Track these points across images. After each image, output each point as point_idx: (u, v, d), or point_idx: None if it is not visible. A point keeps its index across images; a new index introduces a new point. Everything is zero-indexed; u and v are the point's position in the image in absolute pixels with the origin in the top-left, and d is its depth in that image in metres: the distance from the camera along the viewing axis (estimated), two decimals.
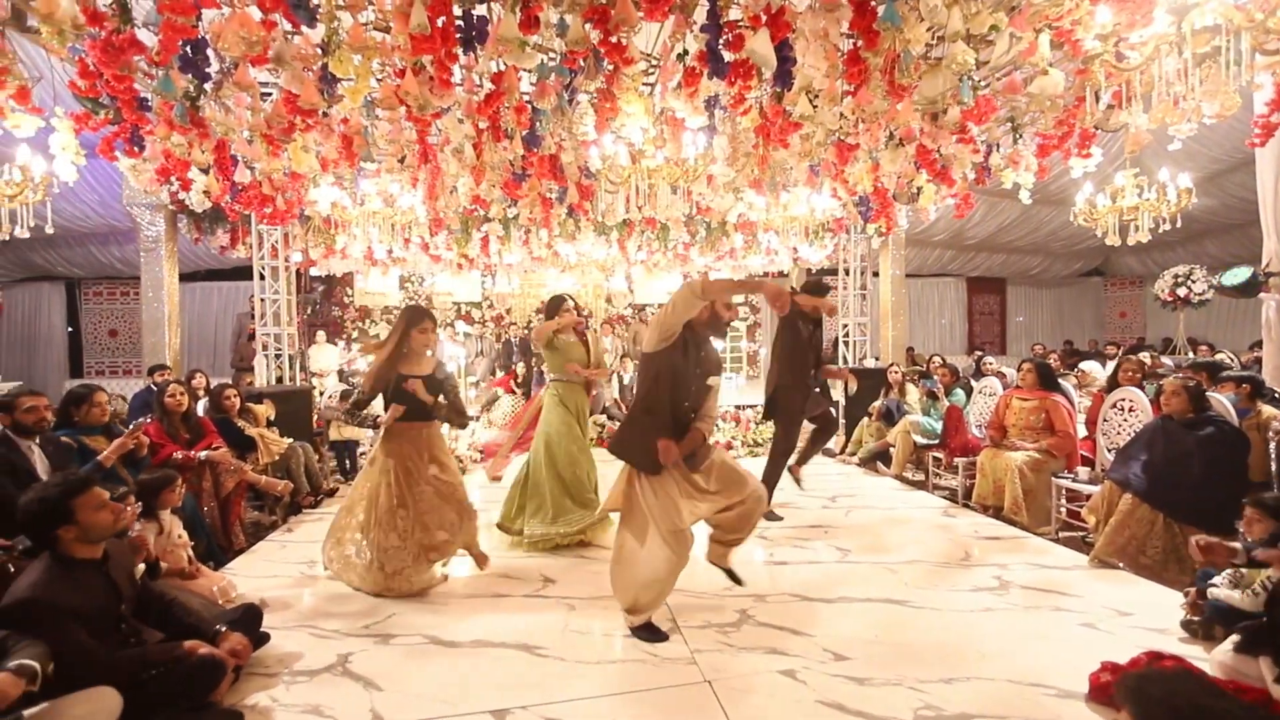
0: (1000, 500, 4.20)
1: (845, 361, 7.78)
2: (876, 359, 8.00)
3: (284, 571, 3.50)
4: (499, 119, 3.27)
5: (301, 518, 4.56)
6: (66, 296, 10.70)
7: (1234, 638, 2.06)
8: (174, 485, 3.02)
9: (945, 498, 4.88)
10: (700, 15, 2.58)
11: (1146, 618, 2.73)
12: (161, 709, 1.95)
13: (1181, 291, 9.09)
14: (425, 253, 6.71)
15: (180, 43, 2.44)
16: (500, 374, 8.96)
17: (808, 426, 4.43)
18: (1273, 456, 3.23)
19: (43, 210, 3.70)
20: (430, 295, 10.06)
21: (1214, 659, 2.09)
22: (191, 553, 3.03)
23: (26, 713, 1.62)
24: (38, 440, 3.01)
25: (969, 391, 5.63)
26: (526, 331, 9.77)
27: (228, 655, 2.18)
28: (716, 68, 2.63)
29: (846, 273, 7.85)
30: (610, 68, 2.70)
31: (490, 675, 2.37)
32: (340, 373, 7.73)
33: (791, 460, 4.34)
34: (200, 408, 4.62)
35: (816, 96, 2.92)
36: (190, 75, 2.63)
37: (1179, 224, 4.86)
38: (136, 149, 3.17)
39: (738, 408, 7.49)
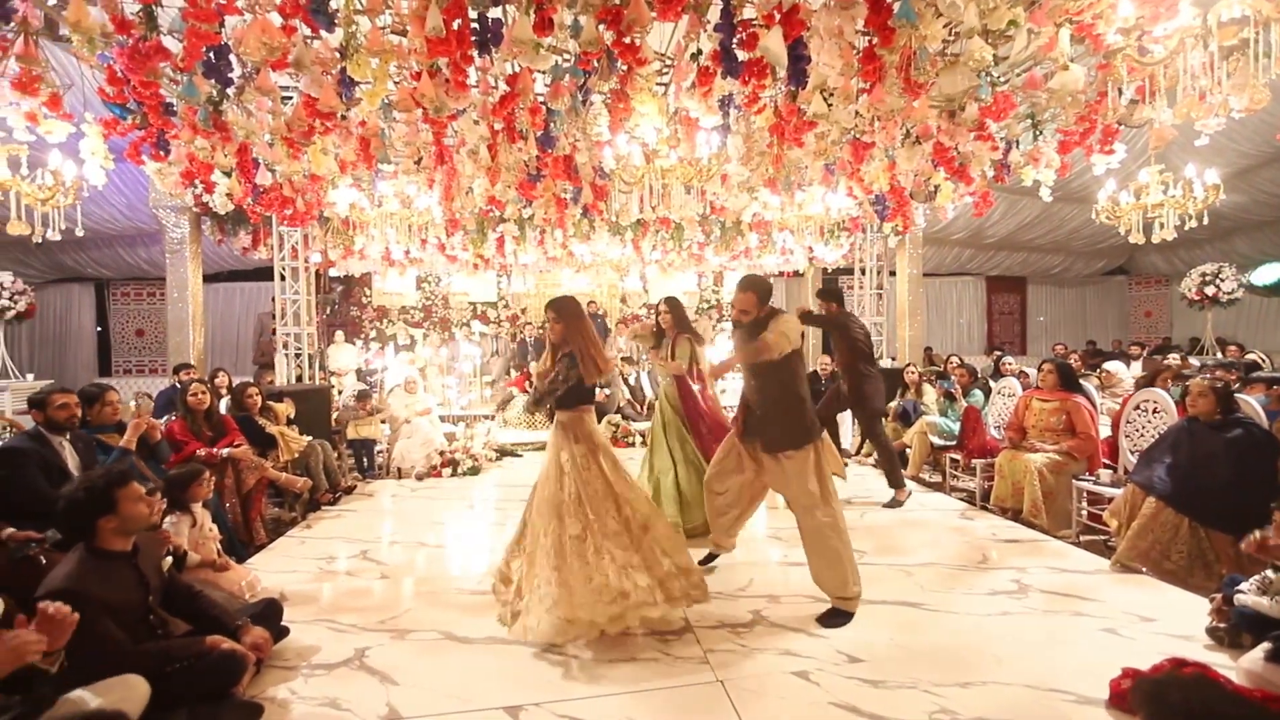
0: (1019, 503, 4.14)
1: None
2: (893, 359, 7.92)
3: (303, 567, 3.56)
4: (514, 120, 3.30)
5: (320, 514, 4.63)
6: (96, 297, 10.99)
7: (1265, 646, 2.01)
8: (202, 479, 3.08)
9: (963, 500, 4.81)
10: (714, 14, 2.57)
11: (1170, 623, 2.67)
12: (185, 701, 2.00)
13: (1210, 290, 8.89)
14: (442, 253, 6.79)
15: (204, 49, 2.50)
16: (515, 374, 9.02)
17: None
18: None
19: (73, 213, 3.81)
20: (446, 295, 10.16)
21: (1241, 667, 2.04)
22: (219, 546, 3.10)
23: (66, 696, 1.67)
24: (68, 437, 3.10)
25: (987, 392, 5.55)
26: (541, 331, 9.82)
27: (249, 649, 2.23)
28: (730, 67, 2.63)
29: (863, 272, 7.78)
30: (624, 68, 2.71)
31: (504, 672, 2.40)
32: (358, 372, 7.84)
33: None
34: (223, 406, 4.72)
35: (831, 95, 2.90)
36: (213, 80, 2.69)
37: (1206, 221, 4.74)
38: (162, 153, 3.25)
39: None
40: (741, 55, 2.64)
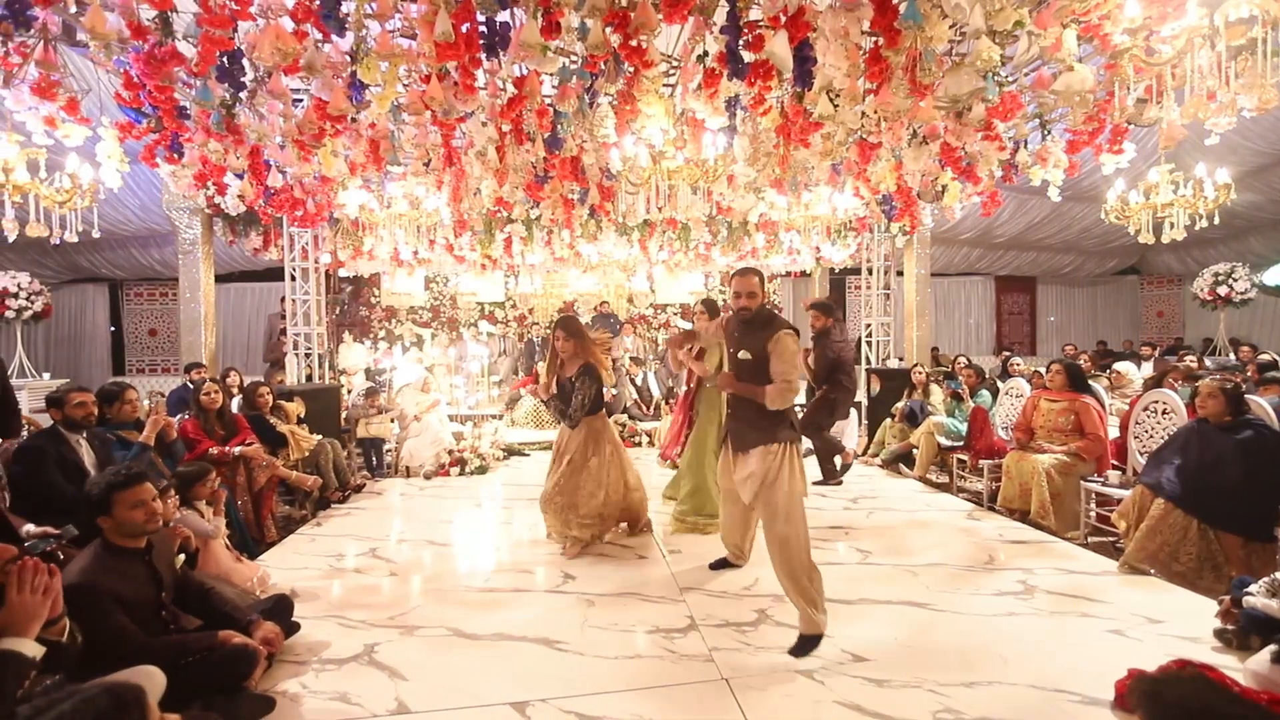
0: (1026, 504, 4.12)
1: (868, 362, 7.68)
2: (900, 359, 7.89)
3: (313, 564, 3.61)
4: (521, 122, 3.33)
5: (330, 512, 4.68)
6: (110, 297, 11.13)
7: (1272, 648, 2.00)
8: (207, 479, 3.13)
9: (970, 500, 4.80)
10: (720, 17, 2.59)
11: (1178, 625, 2.66)
12: (198, 694, 2.04)
13: (1222, 290, 8.79)
14: (450, 254, 6.83)
15: (218, 54, 2.55)
16: (522, 374, 9.06)
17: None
18: None
19: (89, 215, 3.87)
20: (454, 295, 10.22)
21: (1248, 669, 2.04)
22: (229, 543, 3.15)
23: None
24: (84, 435, 3.15)
25: (995, 393, 5.53)
26: (548, 331, 9.85)
27: (261, 644, 2.27)
28: (736, 69, 2.64)
29: (870, 272, 7.76)
30: (631, 70, 2.73)
31: (511, 668, 2.42)
32: (367, 371, 7.91)
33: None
34: (234, 405, 4.78)
35: (837, 96, 2.91)
36: (226, 85, 2.74)
37: (1219, 220, 4.70)
38: (176, 156, 3.31)
39: None
40: (747, 57, 2.65)
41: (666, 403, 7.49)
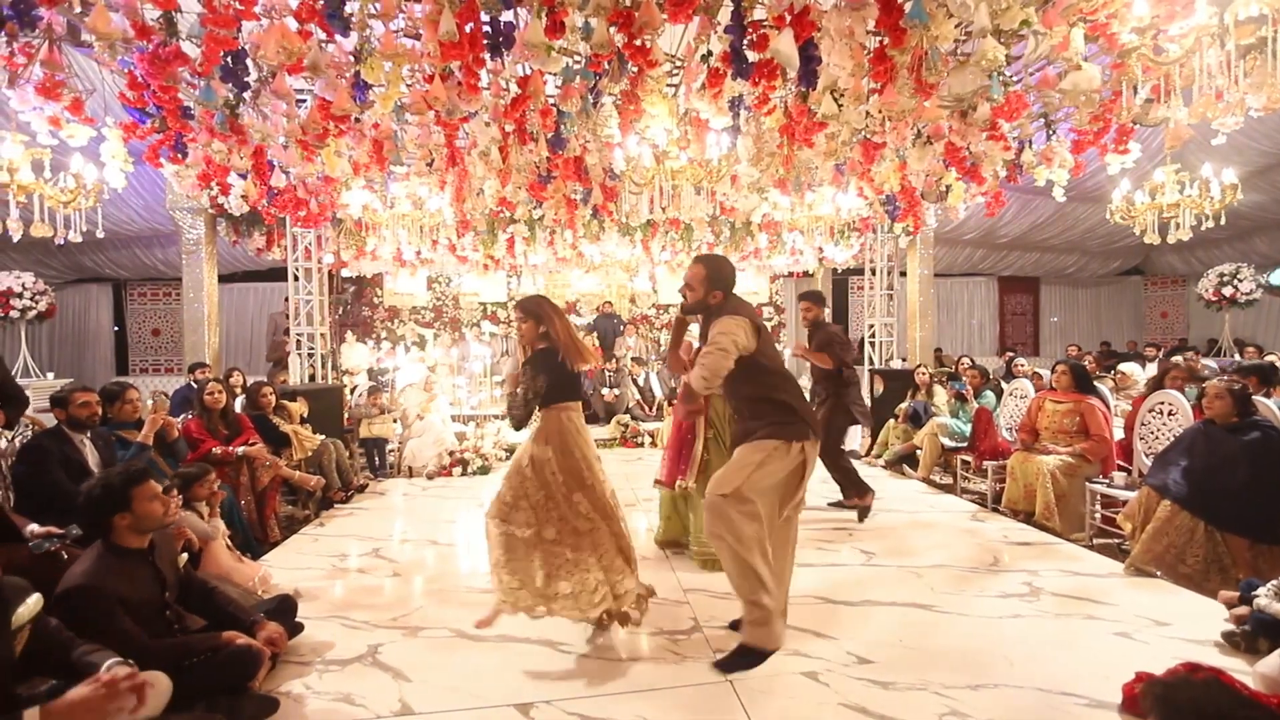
0: (1031, 505, 4.11)
1: (871, 362, 7.66)
2: (903, 360, 7.87)
3: (316, 564, 3.61)
4: (525, 122, 3.32)
5: (333, 512, 4.68)
6: (113, 297, 11.15)
7: None
8: (206, 479, 3.13)
9: (974, 502, 4.78)
10: (724, 16, 2.58)
11: (1185, 628, 2.64)
12: (202, 694, 2.03)
13: (1227, 291, 8.76)
14: (452, 254, 6.84)
15: (222, 54, 2.54)
16: None
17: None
18: None
19: (94, 216, 3.88)
20: (457, 296, 10.22)
21: (1257, 672, 2.02)
22: (230, 543, 3.14)
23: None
24: (89, 434, 3.16)
25: (999, 393, 5.51)
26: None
27: (264, 644, 2.26)
28: (740, 68, 2.64)
29: (873, 272, 7.74)
30: (634, 70, 2.73)
31: (515, 670, 2.42)
32: (370, 371, 7.91)
33: None
34: (237, 405, 4.78)
35: (842, 95, 2.90)
36: (230, 84, 2.74)
37: (1224, 221, 4.68)
38: (180, 156, 3.31)
39: None
40: (751, 56, 2.64)
41: (669, 403, 7.48)
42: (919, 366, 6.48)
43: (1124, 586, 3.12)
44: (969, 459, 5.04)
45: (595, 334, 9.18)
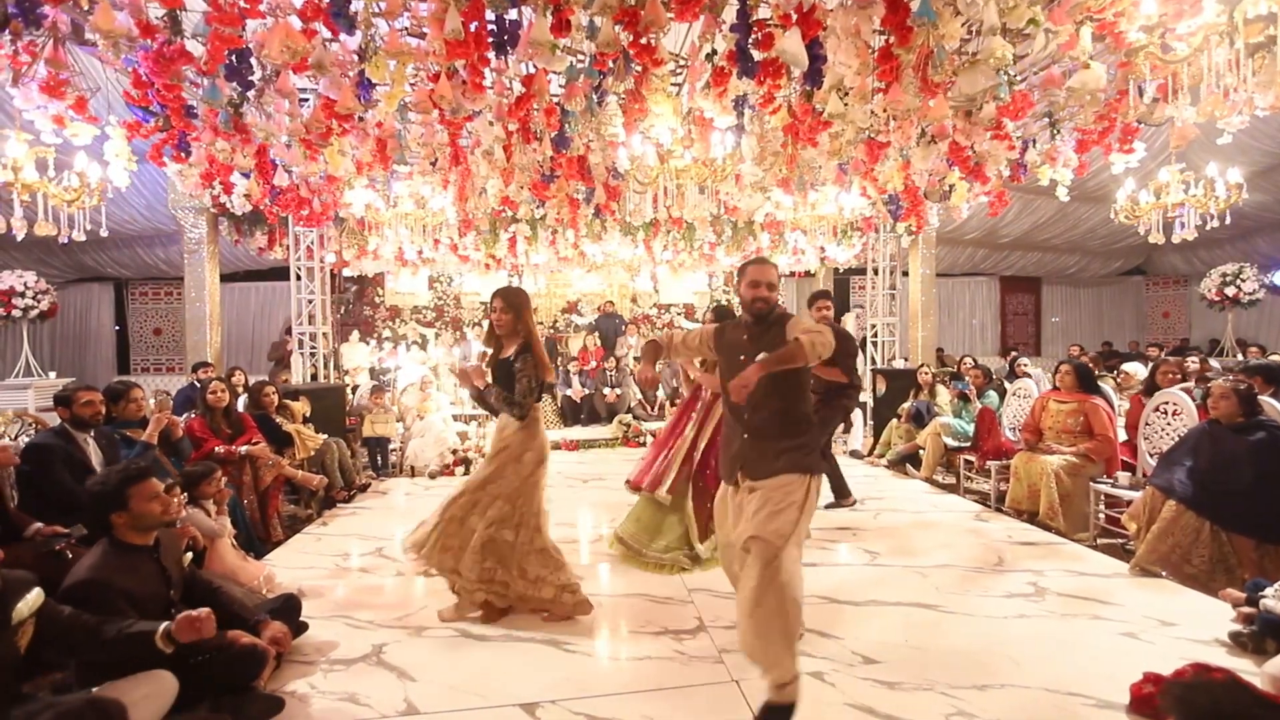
0: (1035, 505, 4.10)
1: (873, 362, 7.65)
2: (906, 360, 7.87)
3: (319, 563, 3.60)
4: (529, 121, 3.32)
5: (335, 511, 4.68)
6: (115, 296, 11.15)
7: None
8: (212, 478, 3.12)
9: (977, 502, 4.77)
10: (730, 15, 2.57)
11: (1191, 628, 2.64)
12: (207, 693, 2.03)
13: (1230, 291, 8.74)
14: (454, 253, 6.83)
15: (226, 52, 2.54)
16: None
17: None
18: None
19: (97, 214, 3.87)
20: (458, 295, 10.22)
21: (1265, 673, 2.01)
22: (234, 542, 3.14)
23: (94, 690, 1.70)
24: (92, 434, 3.15)
25: (1001, 393, 5.50)
26: (552, 331, 9.85)
27: (269, 643, 2.26)
28: (746, 67, 2.63)
29: (875, 272, 7.74)
30: (639, 69, 2.72)
31: (520, 669, 2.41)
32: (372, 370, 7.91)
33: None
34: (240, 404, 4.78)
35: (847, 94, 2.89)
36: (234, 83, 2.74)
37: (1228, 220, 4.67)
38: (183, 154, 3.30)
39: None
40: (757, 55, 2.64)
41: (671, 403, 7.47)
42: (922, 366, 6.47)
43: (1129, 587, 3.11)
44: (972, 459, 5.03)
45: (597, 333, 9.16)
